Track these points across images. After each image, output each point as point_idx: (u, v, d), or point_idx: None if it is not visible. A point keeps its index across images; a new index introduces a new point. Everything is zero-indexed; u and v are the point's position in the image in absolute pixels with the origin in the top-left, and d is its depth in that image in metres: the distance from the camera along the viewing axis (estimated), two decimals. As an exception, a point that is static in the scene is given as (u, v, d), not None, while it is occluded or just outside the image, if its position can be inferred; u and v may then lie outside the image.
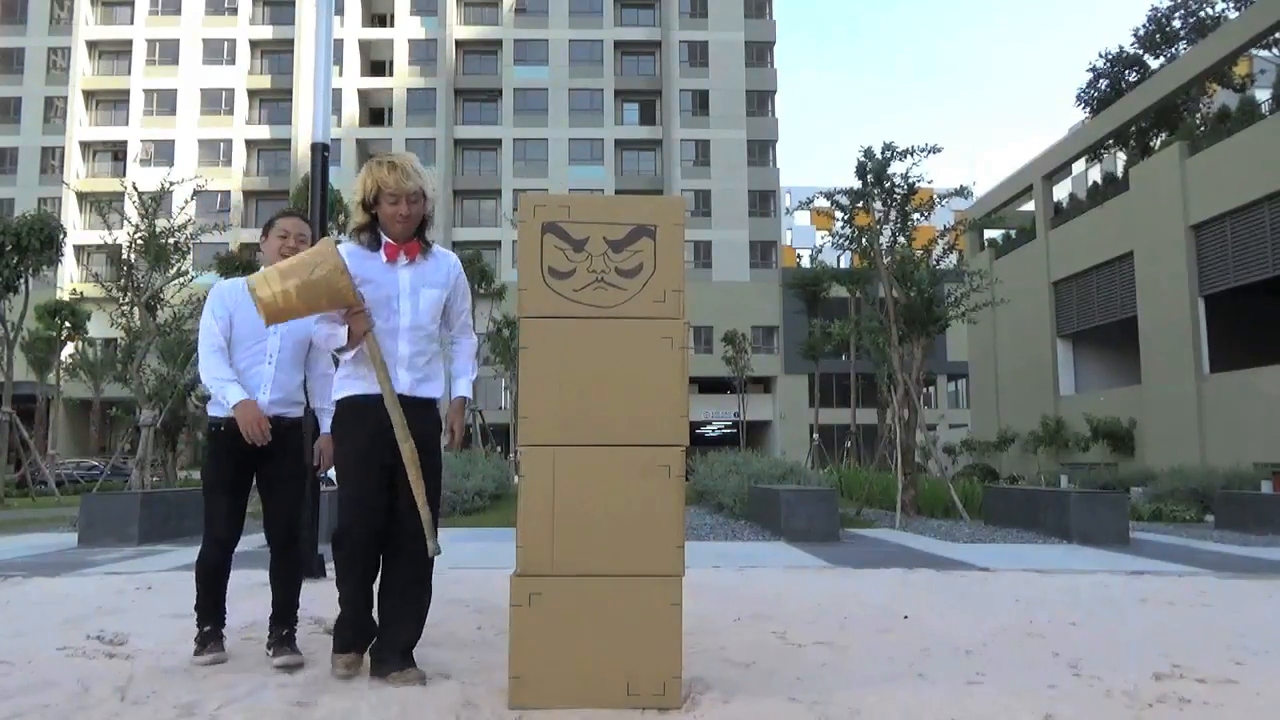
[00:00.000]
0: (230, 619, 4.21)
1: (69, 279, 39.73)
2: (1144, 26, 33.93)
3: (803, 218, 74.30)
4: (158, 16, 51.29)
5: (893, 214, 12.19)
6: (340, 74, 49.19)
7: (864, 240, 12.57)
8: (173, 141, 50.09)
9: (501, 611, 3.76)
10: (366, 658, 3.14)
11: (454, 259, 3.32)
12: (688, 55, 51.70)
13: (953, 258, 12.86)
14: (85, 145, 50.53)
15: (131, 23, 51.11)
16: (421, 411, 3.12)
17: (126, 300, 13.40)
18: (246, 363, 3.46)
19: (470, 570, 5.80)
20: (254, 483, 3.56)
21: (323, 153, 6.32)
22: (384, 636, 3.06)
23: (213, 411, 3.50)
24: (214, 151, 50.50)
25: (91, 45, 51.04)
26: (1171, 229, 22.84)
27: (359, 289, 3.03)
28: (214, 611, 3.46)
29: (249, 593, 5.17)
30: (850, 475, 16.68)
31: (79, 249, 46.50)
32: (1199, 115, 28.19)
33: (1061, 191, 32.69)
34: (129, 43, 50.96)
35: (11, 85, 50.07)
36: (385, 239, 3.12)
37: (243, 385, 3.38)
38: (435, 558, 3.08)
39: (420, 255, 3.15)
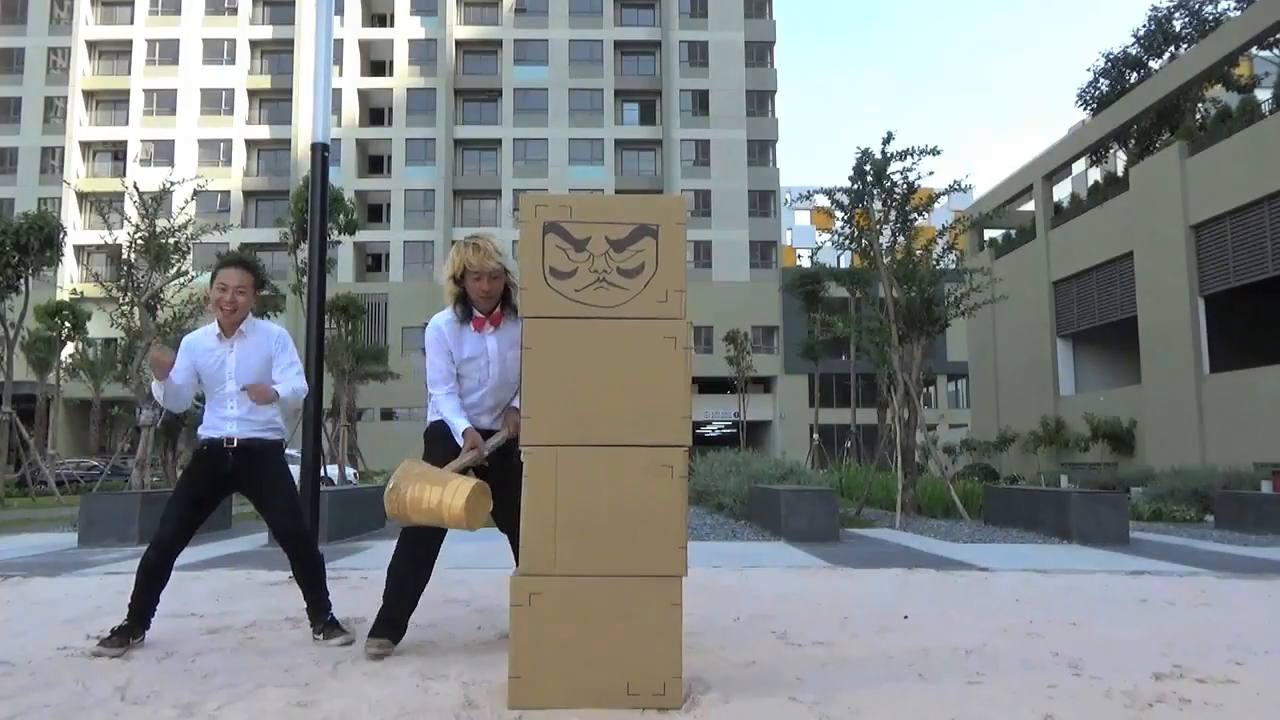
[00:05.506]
0: (232, 618, 4.24)
1: (69, 279, 39.71)
2: (1144, 27, 33.91)
3: (803, 218, 74.34)
4: (158, 16, 51.28)
5: (892, 214, 12.17)
6: (340, 74, 49.17)
7: (864, 240, 12.55)
8: (173, 141, 50.08)
9: (501, 611, 3.78)
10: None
11: None
12: (688, 55, 51.69)
13: (952, 257, 12.83)
14: (85, 145, 50.53)
15: (131, 23, 51.10)
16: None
17: (126, 300, 13.35)
18: (213, 410, 3.77)
19: (470, 570, 5.80)
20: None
21: (323, 153, 6.32)
22: None
23: (200, 434, 3.82)
24: (214, 151, 50.50)
25: (91, 45, 51.04)
26: (1171, 229, 22.84)
27: (458, 357, 3.57)
28: (141, 612, 3.60)
29: (251, 592, 5.19)
30: (850, 475, 16.67)
31: (79, 249, 46.48)
32: (1199, 115, 28.17)
33: (1061, 191, 32.67)
34: (129, 43, 50.95)
35: (11, 85, 50.07)
36: (475, 312, 3.57)
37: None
38: None
39: (505, 321, 3.59)
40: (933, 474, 14.86)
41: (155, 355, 3.58)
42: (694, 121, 51.02)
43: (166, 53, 51.06)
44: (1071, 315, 28.14)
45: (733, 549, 7.79)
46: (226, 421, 3.72)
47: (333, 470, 18.15)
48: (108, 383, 25.58)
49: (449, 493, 3.20)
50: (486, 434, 3.57)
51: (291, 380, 3.81)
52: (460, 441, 3.49)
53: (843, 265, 29.08)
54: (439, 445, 3.58)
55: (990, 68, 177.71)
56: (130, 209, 13.32)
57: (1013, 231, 32.66)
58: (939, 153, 11.82)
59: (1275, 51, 27.28)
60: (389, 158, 51.23)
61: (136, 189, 13.10)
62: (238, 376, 3.72)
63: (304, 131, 48.47)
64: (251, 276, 3.81)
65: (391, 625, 3.52)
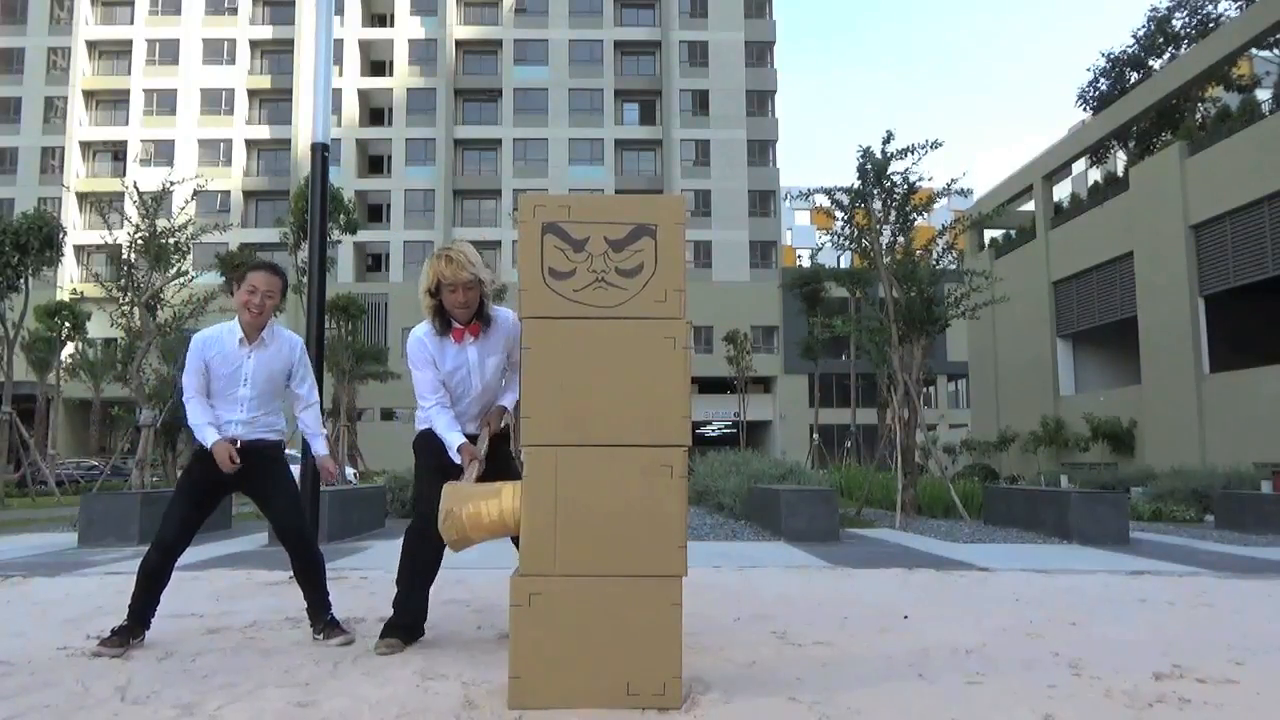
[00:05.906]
0: (232, 618, 4.24)
1: (69, 279, 39.70)
2: (1144, 27, 33.89)
3: (803, 218, 74.32)
4: (158, 16, 51.26)
5: (892, 214, 12.16)
6: (340, 74, 49.16)
7: (864, 240, 12.55)
8: (173, 141, 50.05)
9: (501, 611, 3.79)
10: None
11: (511, 319, 3.68)
12: (688, 55, 51.69)
13: (951, 256, 12.82)
14: (85, 145, 50.51)
15: (131, 23, 51.08)
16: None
17: (126, 300, 13.35)
18: (221, 409, 3.78)
19: (470, 570, 5.79)
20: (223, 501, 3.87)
21: (323, 153, 6.31)
22: None
23: None
24: (214, 151, 50.48)
25: (91, 45, 51.02)
26: (1171, 229, 22.83)
27: (442, 369, 3.62)
28: (141, 612, 3.62)
29: (251, 592, 5.19)
30: (850, 475, 16.67)
31: (79, 249, 46.48)
32: (1199, 115, 28.17)
33: (1061, 191, 32.66)
34: (129, 43, 50.94)
35: (11, 85, 50.04)
36: (453, 324, 3.61)
37: (218, 427, 3.73)
38: None
39: (482, 331, 3.64)
40: (933, 474, 14.86)
41: (230, 455, 3.65)
42: (694, 121, 51.01)
43: (166, 53, 51.04)
44: (1071, 315, 28.14)
45: (733, 549, 7.79)
46: (233, 424, 3.76)
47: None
48: (108, 383, 25.59)
49: (506, 498, 3.17)
50: (472, 439, 3.63)
51: (317, 416, 4.08)
52: (455, 457, 3.51)
53: (843, 265, 29.12)
54: (432, 449, 3.63)
55: (990, 68, 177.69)
56: (130, 209, 13.31)
57: (1013, 231, 32.66)
58: (940, 145, 11.81)
59: (1275, 51, 27.27)
60: (389, 158, 51.22)
61: (136, 189, 13.09)
62: (253, 382, 3.78)
63: (304, 131, 48.46)
64: (280, 281, 3.88)
65: (404, 630, 3.57)
